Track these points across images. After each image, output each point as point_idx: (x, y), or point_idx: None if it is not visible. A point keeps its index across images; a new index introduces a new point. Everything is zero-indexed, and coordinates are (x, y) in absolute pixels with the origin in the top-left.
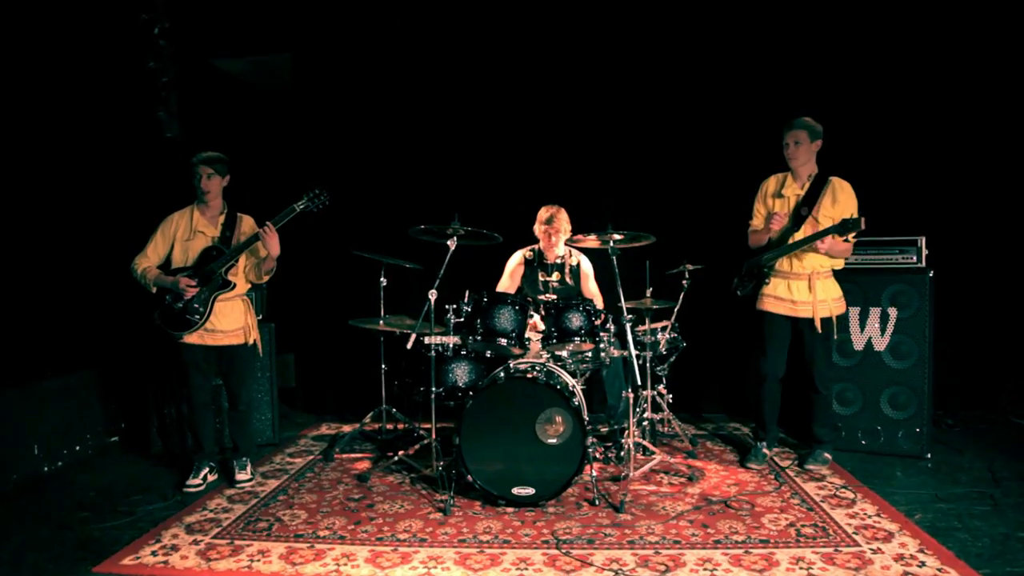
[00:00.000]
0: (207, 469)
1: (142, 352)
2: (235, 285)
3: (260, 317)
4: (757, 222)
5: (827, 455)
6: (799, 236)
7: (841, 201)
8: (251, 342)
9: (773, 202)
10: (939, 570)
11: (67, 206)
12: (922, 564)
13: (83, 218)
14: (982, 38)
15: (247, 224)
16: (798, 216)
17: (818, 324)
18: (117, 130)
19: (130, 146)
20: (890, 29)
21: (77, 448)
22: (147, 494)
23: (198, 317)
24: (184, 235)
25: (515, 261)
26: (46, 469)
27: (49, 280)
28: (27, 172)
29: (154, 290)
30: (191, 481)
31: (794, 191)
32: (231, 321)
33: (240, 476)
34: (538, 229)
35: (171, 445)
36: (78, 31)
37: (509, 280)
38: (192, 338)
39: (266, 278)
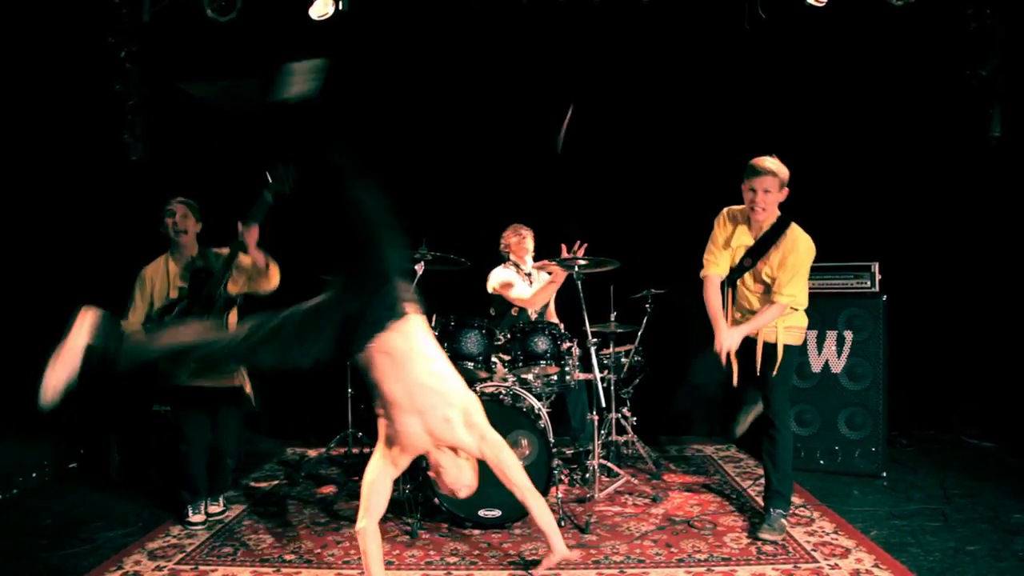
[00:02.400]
0: (203, 503)
1: (100, 378)
2: (242, 299)
3: None
4: (712, 270)
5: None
6: (743, 295)
7: (789, 267)
8: (244, 387)
9: (724, 254)
10: None
11: (30, 230)
12: None
13: (47, 241)
14: (935, 77)
15: (224, 251)
16: (740, 266)
17: (759, 351)
18: (82, 153)
19: (95, 168)
20: (850, 67)
21: (34, 475)
22: (107, 520)
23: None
24: (162, 291)
25: (508, 275)
26: (0, 498)
27: (8, 302)
28: None
29: None
30: (194, 518)
31: (743, 242)
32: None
33: (212, 508)
34: (509, 239)
35: (136, 469)
36: (44, 53)
37: (511, 293)
38: (180, 379)
39: (267, 284)
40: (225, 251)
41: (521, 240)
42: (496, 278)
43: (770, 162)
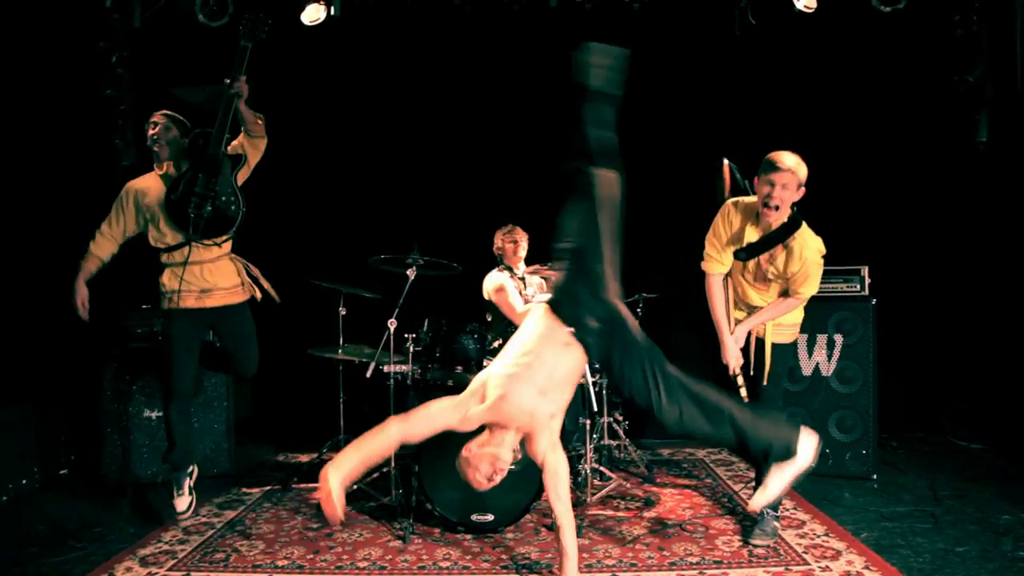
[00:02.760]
0: (188, 480)
1: (95, 380)
2: (247, 158)
3: None
4: (708, 266)
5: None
6: (744, 292)
7: (801, 271)
8: (249, 297)
9: (727, 250)
10: None
11: (19, 235)
12: None
13: (35, 248)
14: (923, 83)
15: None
16: (758, 268)
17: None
18: (73, 157)
19: (85, 173)
20: (839, 73)
21: (24, 482)
22: (99, 527)
23: (192, 208)
24: (159, 196)
25: (503, 279)
26: None
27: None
28: None
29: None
30: (178, 501)
31: (751, 239)
32: (226, 278)
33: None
34: (501, 241)
35: (126, 476)
36: (36, 59)
37: (516, 299)
38: (187, 301)
39: (261, 144)
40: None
41: (516, 247)
42: (490, 283)
43: (790, 158)
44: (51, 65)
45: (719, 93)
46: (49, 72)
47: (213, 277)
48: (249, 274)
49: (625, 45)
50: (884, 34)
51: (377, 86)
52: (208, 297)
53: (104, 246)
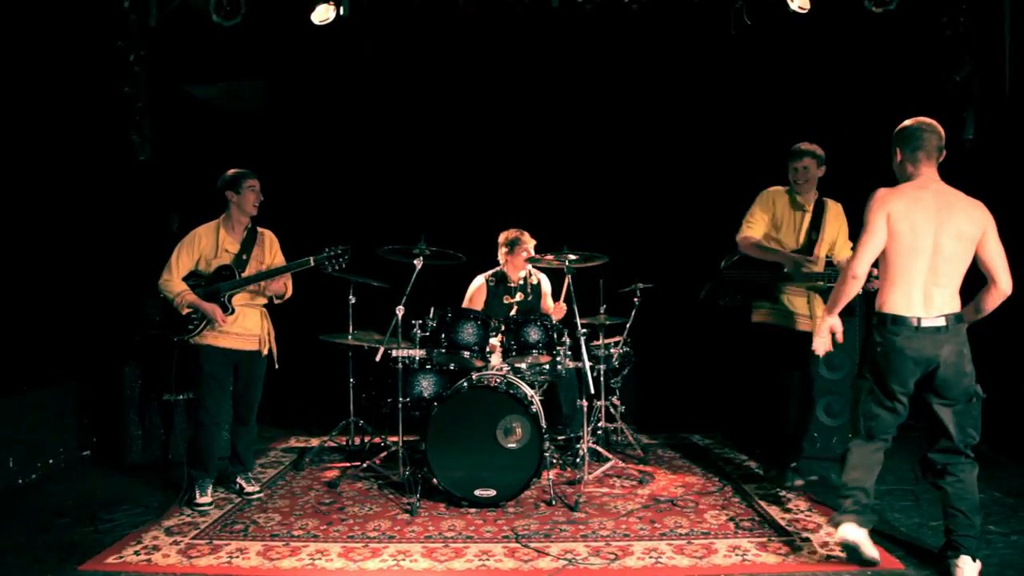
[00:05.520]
0: (211, 486)
1: (118, 364)
2: (235, 311)
3: None
4: (755, 233)
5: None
6: (813, 263)
7: (840, 223)
8: (266, 351)
9: (781, 222)
10: None
11: (47, 225)
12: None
13: (61, 237)
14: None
15: (268, 241)
16: (809, 240)
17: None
18: (93, 152)
19: (105, 168)
20: (831, 71)
21: (51, 461)
22: (124, 502)
23: (191, 327)
24: (210, 254)
25: (475, 286)
26: (20, 481)
27: (16, 298)
28: (7, 191)
29: (184, 312)
30: (201, 499)
31: (803, 211)
32: (247, 326)
33: (249, 488)
34: (501, 252)
35: (148, 456)
36: (56, 58)
37: (469, 304)
38: (208, 339)
39: (277, 301)
40: (268, 240)
41: (512, 259)
42: (471, 286)
43: (808, 146)
44: (71, 64)
45: (716, 89)
46: (69, 71)
47: (236, 319)
48: None
49: (624, 44)
50: (875, 34)
51: (386, 83)
52: (226, 338)
53: None
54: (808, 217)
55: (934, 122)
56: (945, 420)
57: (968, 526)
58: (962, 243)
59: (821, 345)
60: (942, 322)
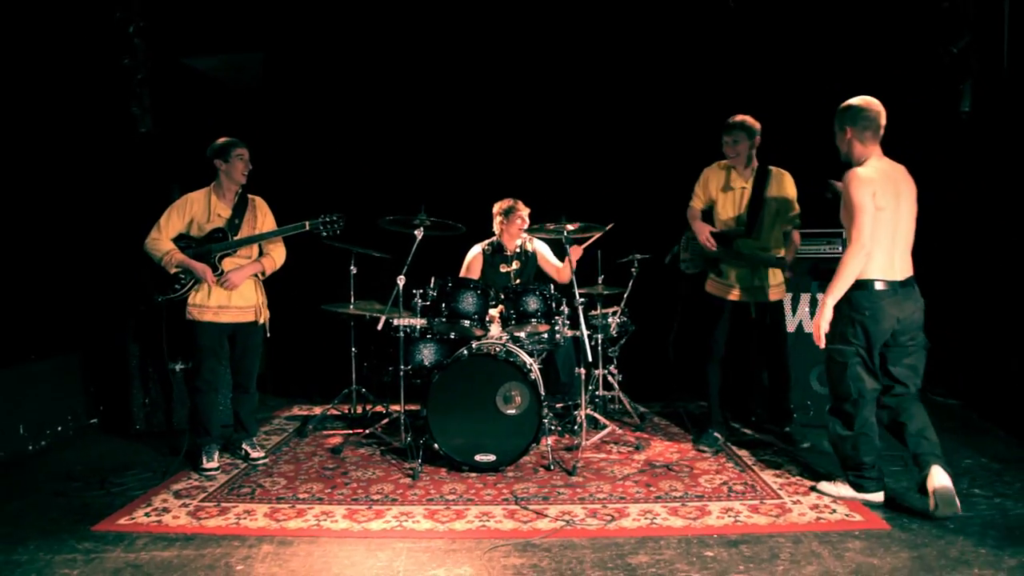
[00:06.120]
0: (217, 452)
1: (122, 333)
2: (223, 272)
3: None
4: (696, 205)
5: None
6: (739, 233)
7: (785, 188)
8: (262, 321)
9: (720, 195)
10: (846, 515)
11: (50, 197)
12: (833, 511)
13: (65, 208)
14: (909, 53)
15: (260, 208)
16: (750, 211)
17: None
18: (94, 124)
19: (106, 139)
20: (828, 42)
21: (59, 428)
22: (132, 467)
23: (179, 287)
24: (202, 218)
25: (472, 255)
26: (30, 448)
27: (23, 270)
28: (9, 163)
29: (172, 271)
30: (208, 464)
31: (740, 184)
32: (243, 297)
33: (255, 454)
34: (496, 221)
35: (154, 424)
36: (55, 29)
37: (466, 273)
38: (207, 315)
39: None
40: (260, 207)
41: (507, 227)
42: (468, 255)
43: (738, 120)
44: (70, 36)
45: (713, 60)
46: (69, 43)
47: (229, 294)
48: None
49: (622, 15)
50: (873, 5)
51: (384, 55)
52: (225, 312)
53: None
54: (748, 190)
55: (878, 101)
56: (901, 369)
57: (930, 443)
58: (911, 211)
59: (824, 323)
60: (912, 282)
